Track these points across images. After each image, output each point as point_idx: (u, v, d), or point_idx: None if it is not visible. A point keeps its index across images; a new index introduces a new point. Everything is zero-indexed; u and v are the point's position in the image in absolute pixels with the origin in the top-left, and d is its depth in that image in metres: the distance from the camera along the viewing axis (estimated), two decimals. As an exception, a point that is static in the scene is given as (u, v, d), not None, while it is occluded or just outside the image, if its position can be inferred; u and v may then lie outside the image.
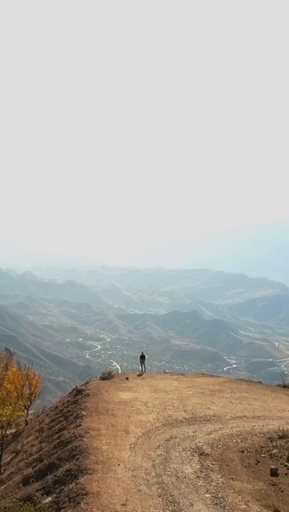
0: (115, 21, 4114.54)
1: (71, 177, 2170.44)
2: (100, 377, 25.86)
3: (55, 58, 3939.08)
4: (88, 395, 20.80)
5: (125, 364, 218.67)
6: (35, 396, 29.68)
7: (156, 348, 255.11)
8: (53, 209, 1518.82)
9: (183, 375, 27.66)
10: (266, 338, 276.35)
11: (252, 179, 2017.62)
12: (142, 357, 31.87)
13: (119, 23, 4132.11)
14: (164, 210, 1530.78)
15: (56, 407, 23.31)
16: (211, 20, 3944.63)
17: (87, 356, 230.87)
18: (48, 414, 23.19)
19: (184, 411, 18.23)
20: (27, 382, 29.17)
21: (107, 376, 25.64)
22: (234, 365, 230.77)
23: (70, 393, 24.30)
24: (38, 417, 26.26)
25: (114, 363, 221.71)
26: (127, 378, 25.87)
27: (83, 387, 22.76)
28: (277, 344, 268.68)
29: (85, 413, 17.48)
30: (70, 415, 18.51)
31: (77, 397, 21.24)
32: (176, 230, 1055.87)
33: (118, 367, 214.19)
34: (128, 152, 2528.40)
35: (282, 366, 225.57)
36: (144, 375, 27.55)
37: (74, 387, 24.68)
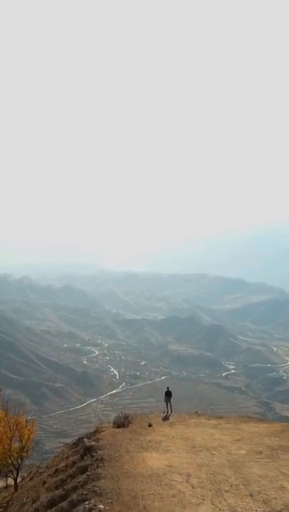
0: (115, 21, 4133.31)
1: (68, 178, 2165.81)
2: (114, 424, 20.30)
3: (56, 54, 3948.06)
4: (102, 459, 15.37)
5: (123, 369, 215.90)
6: (27, 451, 22.43)
7: (154, 354, 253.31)
8: (51, 211, 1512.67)
9: (222, 418, 21.99)
10: (265, 344, 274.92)
11: (252, 179, 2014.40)
12: (168, 394, 25.38)
13: (119, 22, 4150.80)
14: (164, 210, 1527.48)
15: (56, 470, 17.64)
16: (211, 20, 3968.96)
17: (85, 362, 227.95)
18: (44, 482, 17.35)
19: (250, 495, 12.53)
20: (17, 432, 22.09)
21: (123, 422, 20.02)
22: (233, 371, 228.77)
23: (74, 446, 19.18)
24: (31, 478, 20.69)
25: (112, 369, 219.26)
26: (150, 425, 20.06)
27: (93, 443, 17.28)
28: (275, 349, 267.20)
29: (102, 507, 11.98)
30: (78, 501, 12.87)
31: (87, 461, 15.79)
32: (176, 229, 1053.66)
33: (116, 372, 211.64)
34: (127, 151, 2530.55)
35: (281, 372, 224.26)
36: (171, 419, 21.90)
37: (80, 438, 19.42)
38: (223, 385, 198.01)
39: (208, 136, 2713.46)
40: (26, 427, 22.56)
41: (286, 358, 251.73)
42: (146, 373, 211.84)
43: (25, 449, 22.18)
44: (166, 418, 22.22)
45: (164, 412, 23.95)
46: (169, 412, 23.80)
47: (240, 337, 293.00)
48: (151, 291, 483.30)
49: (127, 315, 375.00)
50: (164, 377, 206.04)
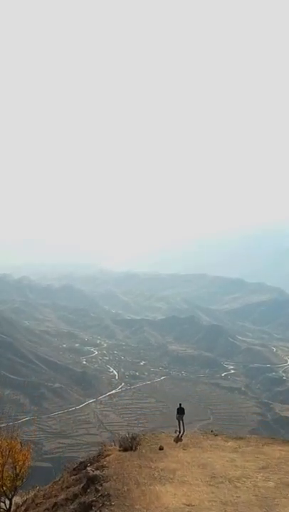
0: (115, 21, 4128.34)
1: (69, 178, 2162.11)
2: (120, 447, 17.77)
3: (56, 54, 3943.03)
4: (108, 495, 13.06)
5: (122, 370, 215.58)
6: (22, 480, 19.46)
7: (153, 354, 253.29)
8: (51, 211, 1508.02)
9: (241, 439, 19.43)
10: (264, 344, 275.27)
11: (252, 179, 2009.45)
12: (180, 411, 22.76)
13: (119, 22, 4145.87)
14: (164, 210, 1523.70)
15: (55, 504, 15.49)
16: (211, 20, 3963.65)
17: (84, 362, 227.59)
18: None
19: None
20: (10, 458, 18.98)
21: (130, 444, 17.56)
22: (232, 371, 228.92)
23: (75, 471, 16.85)
24: (26, 510, 18.28)
25: (112, 369, 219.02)
26: (161, 448, 17.73)
27: (97, 473, 14.99)
28: (275, 349, 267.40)
29: None
30: None
31: (90, 496, 13.64)
32: (176, 229, 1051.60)
33: (115, 373, 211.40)
34: (127, 152, 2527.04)
35: (281, 372, 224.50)
36: (184, 440, 19.61)
37: (82, 462, 17.08)
38: (222, 386, 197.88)
39: (208, 137, 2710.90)
40: (21, 451, 19.54)
41: (286, 358, 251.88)
42: (146, 373, 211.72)
43: (19, 477, 19.20)
44: (178, 439, 20.01)
45: (175, 432, 21.60)
46: (182, 432, 21.48)
47: (240, 337, 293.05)
48: (151, 291, 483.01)
49: (126, 315, 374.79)
50: (163, 378, 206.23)
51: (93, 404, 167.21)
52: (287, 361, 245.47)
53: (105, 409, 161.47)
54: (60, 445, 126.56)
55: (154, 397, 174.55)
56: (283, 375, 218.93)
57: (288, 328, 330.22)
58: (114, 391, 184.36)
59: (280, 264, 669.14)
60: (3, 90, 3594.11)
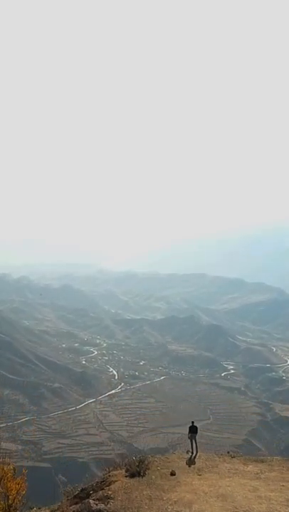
0: (115, 21, 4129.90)
1: (69, 178, 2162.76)
2: (127, 471, 15.84)
3: (57, 54, 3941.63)
4: None
5: (122, 370, 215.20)
6: (15, 511, 16.74)
7: (153, 354, 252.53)
8: (51, 211, 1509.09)
9: (262, 461, 17.40)
10: (264, 344, 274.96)
11: (252, 179, 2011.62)
12: (193, 429, 20.76)
13: (119, 22, 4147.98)
14: (163, 210, 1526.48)
15: None
16: (211, 20, 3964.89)
17: (84, 362, 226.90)
18: None
19: None
20: (0, 488, 16.52)
21: (138, 469, 15.54)
22: (232, 371, 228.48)
23: (76, 500, 14.87)
24: None
25: (111, 369, 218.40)
26: (172, 474, 15.80)
27: (101, 507, 12.86)
28: (275, 349, 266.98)
29: None
30: None
31: None
32: (175, 229, 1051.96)
33: (115, 372, 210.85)
34: (127, 152, 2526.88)
35: (280, 372, 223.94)
36: (198, 463, 17.63)
37: (83, 489, 15.06)
38: (222, 385, 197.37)
39: (208, 137, 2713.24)
40: (14, 480, 16.95)
41: (285, 358, 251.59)
42: (145, 373, 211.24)
43: (12, 508, 16.64)
44: (191, 461, 18.07)
45: (187, 452, 19.78)
46: (195, 453, 19.56)
47: (240, 337, 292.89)
48: (150, 291, 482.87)
49: (126, 315, 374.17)
50: (163, 378, 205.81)
51: (93, 404, 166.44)
52: (287, 361, 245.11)
53: (105, 409, 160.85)
54: (60, 445, 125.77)
55: (153, 397, 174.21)
56: (283, 375, 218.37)
57: (288, 328, 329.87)
58: (113, 391, 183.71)
59: (280, 264, 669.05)
60: (4, 91, 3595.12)
